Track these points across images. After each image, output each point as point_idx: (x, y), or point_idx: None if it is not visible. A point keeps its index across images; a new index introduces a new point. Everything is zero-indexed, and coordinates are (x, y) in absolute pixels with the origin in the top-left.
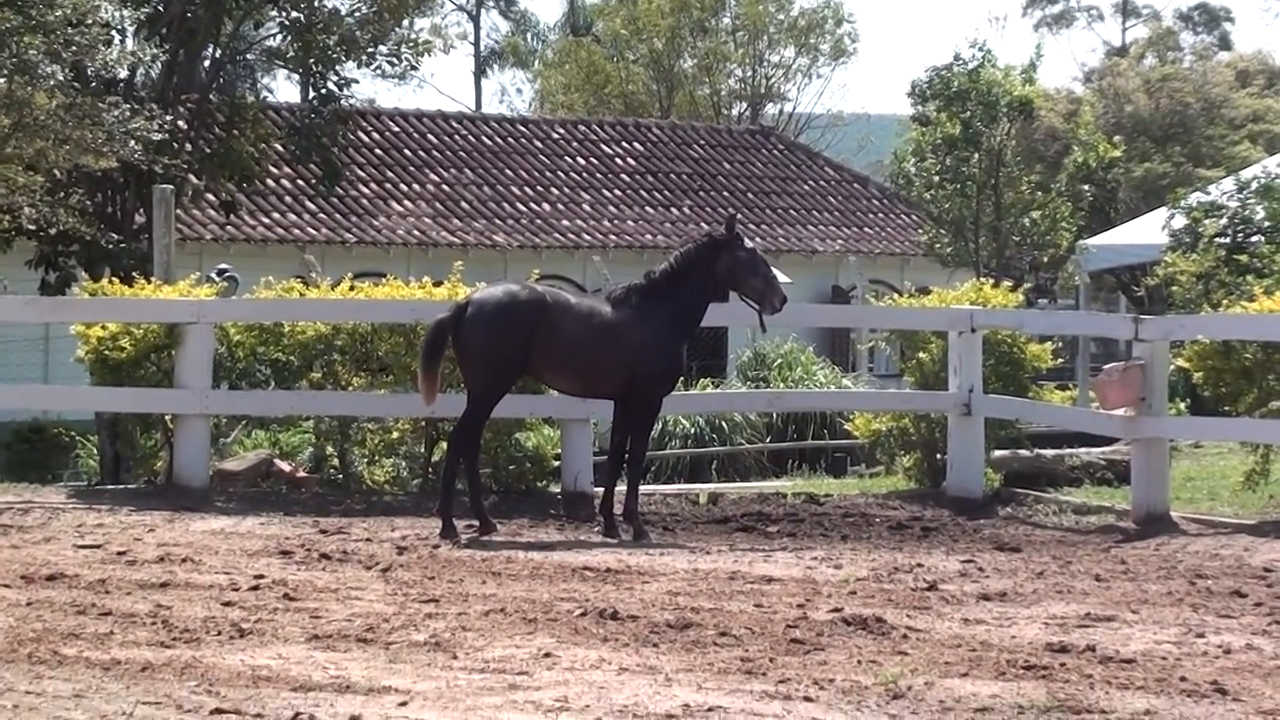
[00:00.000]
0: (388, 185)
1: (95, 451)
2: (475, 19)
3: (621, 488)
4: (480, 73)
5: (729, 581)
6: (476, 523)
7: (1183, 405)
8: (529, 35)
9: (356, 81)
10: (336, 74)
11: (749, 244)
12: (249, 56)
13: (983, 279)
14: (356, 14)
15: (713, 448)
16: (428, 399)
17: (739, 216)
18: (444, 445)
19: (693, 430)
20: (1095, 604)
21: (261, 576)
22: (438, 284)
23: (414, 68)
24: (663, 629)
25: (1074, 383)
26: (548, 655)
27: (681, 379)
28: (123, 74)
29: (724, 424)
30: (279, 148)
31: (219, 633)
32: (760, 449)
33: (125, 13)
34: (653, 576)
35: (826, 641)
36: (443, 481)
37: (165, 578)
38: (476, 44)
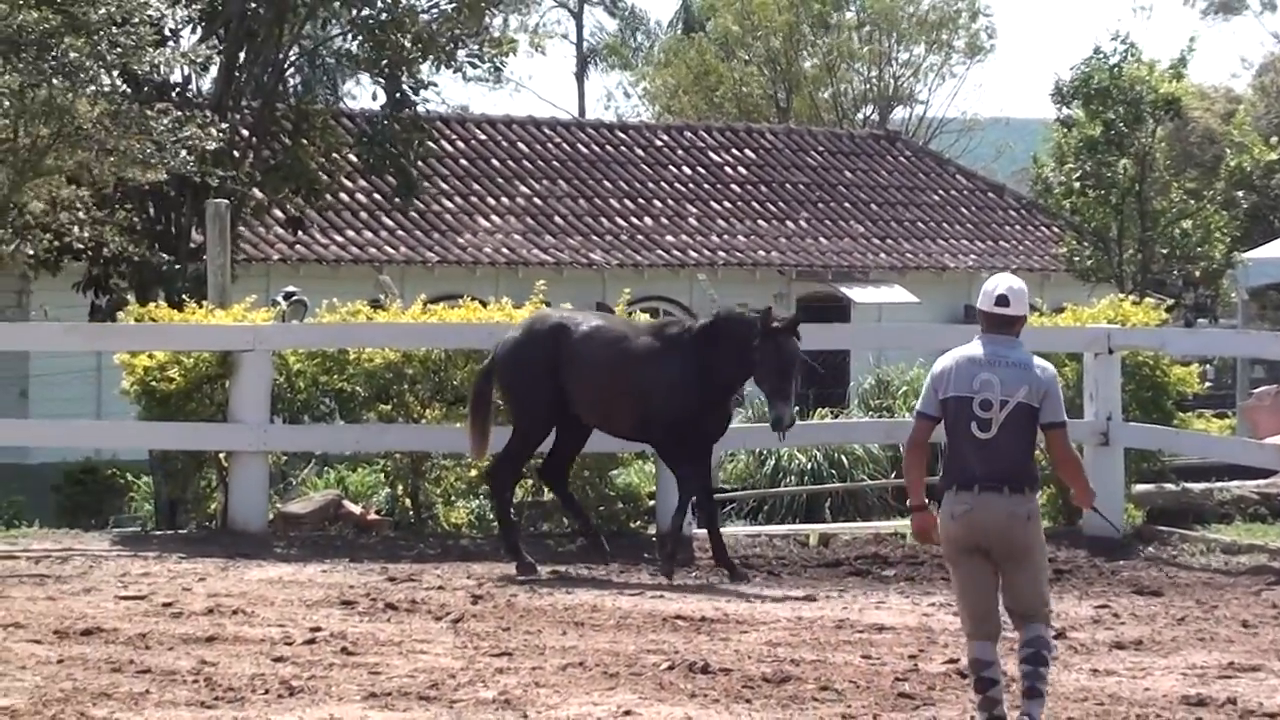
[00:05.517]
0: (474, 199)
1: (150, 493)
2: (578, 17)
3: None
4: (581, 74)
5: (835, 630)
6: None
7: None
8: (638, 34)
9: (435, 85)
10: (412, 76)
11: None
12: (329, 60)
13: (1129, 295)
14: (434, 10)
15: (832, 484)
16: (476, 453)
17: None
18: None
19: (809, 465)
20: (1240, 652)
21: (319, 629)
22: (519, 306)
23: (498, 69)
24: (758, 683)
25: (1233, 410)
26: (628, 713)
27: (797, 409)
28: (176, 78)
29: (844, 458)
30: (352, 158)
31: (266, 691)
32: (883, 485)
33: (178, 11)
34: (752, 626)
35: (938, 696)
36: (500, 521)
37: (212, 631)
38: (579, 44)
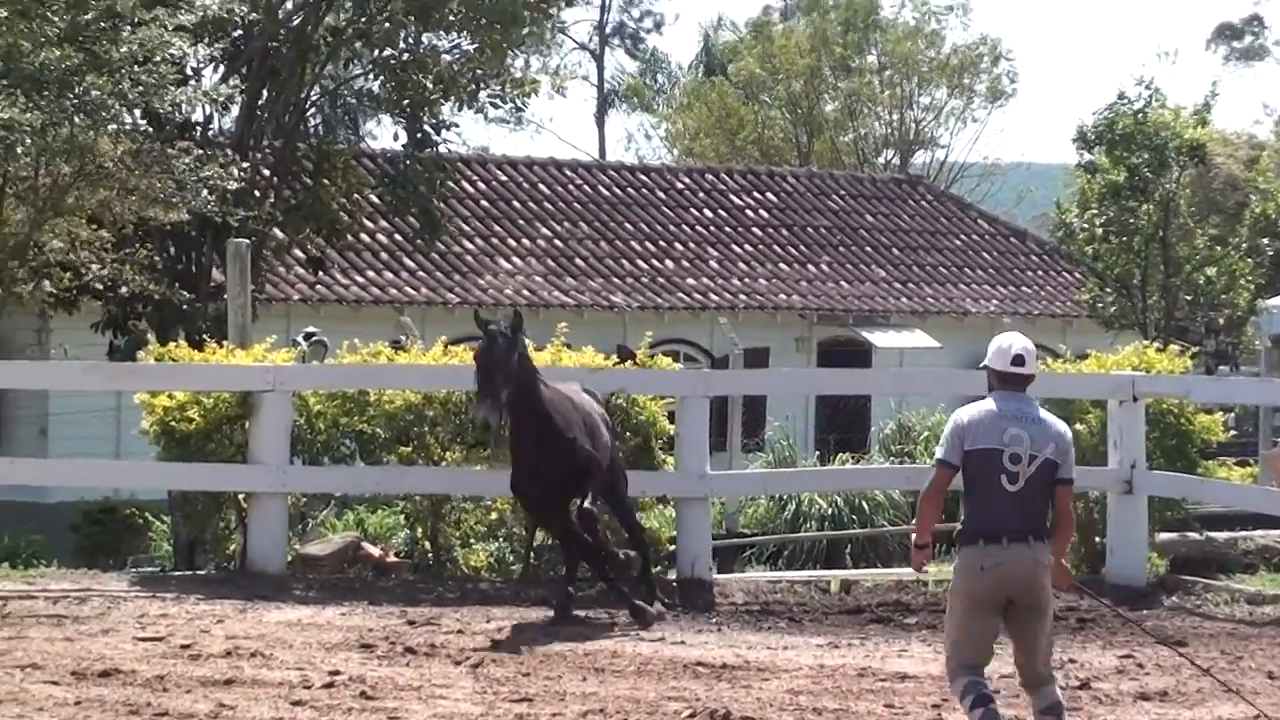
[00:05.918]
0: (494, 240)
1: (169, 534)
2: (599, 59)
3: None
4: (602, 116)
5: (858, 679)
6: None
7: None
8: (659, 76)
9: (456, 125)
10: (434, 116)
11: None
12: (350, 100)
13: (1153, 342)
14: (455, 51)
15: (852, 530)
16: None
17: None
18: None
19: (830, 511)
20: (1267, 704)
21: (337, 673)
22: (540, 349)
23: (519, 109)
24: None
25: (1254, 458)
26: None
27: (817, 454)
28: (197, 117)
29: (864, 504)
30: (374, 199)
31: None
32: (904, 531)
33: (200, 50)
34: (773, 673)
35: None
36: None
37: (231, 674)
38: (600, 86)
